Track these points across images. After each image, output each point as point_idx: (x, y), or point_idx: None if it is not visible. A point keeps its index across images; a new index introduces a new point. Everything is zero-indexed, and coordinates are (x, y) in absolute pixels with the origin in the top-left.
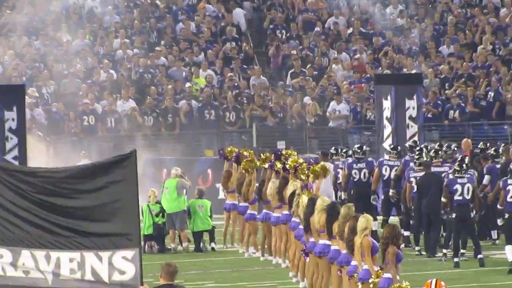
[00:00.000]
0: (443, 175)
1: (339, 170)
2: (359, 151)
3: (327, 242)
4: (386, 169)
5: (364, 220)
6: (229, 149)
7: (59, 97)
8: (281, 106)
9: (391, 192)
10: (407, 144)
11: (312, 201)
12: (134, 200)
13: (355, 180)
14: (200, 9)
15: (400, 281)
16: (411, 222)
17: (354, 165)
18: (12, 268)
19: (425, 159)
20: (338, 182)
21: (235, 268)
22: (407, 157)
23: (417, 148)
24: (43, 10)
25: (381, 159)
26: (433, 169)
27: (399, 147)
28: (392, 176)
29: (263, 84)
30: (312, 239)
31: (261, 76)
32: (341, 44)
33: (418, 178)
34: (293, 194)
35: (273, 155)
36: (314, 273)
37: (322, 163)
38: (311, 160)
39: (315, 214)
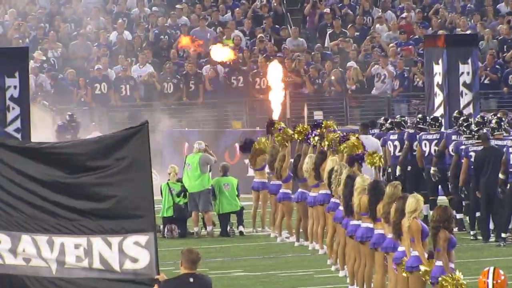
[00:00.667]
0: (504, 149)
1: (389, 142)
2: (434, 122)
3: (370, 225)
4: (425, 144)
5: (414, 201)
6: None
7: (67, 62)
8: (319, 71)
9: (432, 170)
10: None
11: (350, 179)
12: (147, 178)
13: (425, 156)
14: None
15: (453, 270)
16: (463, 203)
17: (424, 137)
18: (12, 255)
19: (481, 130)
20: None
21: (266, 255)
22: (449, 130)
23: (462, 118)
24: None
25: (419, 134)
26: (493, 142)
27: (440, 118)
28: (432, 151)
29: (300, 47)
30: (353, 222)
31: (297, 37)
32: (386, 1)
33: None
34: (332, 170)
35: (310, 127)
36: (356, 260)
37: (353, 137)
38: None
39: (354, 195)
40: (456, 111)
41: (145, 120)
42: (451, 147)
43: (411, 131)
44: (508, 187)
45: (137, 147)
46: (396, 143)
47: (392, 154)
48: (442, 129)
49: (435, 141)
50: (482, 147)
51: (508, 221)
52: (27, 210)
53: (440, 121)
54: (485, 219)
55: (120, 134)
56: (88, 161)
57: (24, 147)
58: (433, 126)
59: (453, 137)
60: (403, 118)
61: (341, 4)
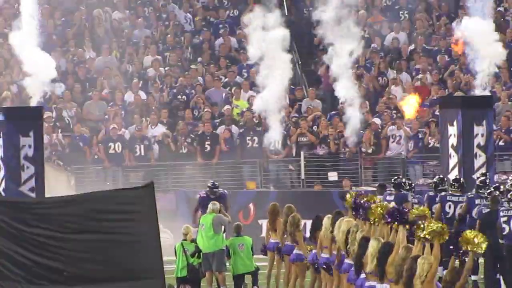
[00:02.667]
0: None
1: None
2: (455, 184)
3: (382, 285)
4: (450, 206)
5: (425, 262)
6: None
7: (82, 121)
8: (334, 132)
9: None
10: (474, 177)
11: (365, 240)
12: (154, 237)
13: (448, 217)
14: (243, 22)
15: None
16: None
17: (449, 198)
18: None
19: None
20: None
21: None
22: (470, 194)
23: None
24: (63, 22)
25: (443, 194)
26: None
27: (462, 180)
28: (457, 214)
29: (315, 108)
30: (369, 283)
31: (314, 98)
32: (401, 63)
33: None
34: (348, 232)
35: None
36: None
37: (378, 199)
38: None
39: (368, 257)
40: (479, 172)
41: (151, 181)
42: (474, 211)
43: (431, 193)
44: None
45: (143, 208)
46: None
47: None
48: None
49: (461, 204)
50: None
51: None
52: (22, 274)
53: (462, 182)
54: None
55: (124, 193)
56: (83, 221)
57: (17, 204)
58: (455, 187)
59: (477, 201)
60: (401, 180)
61: (357, 65)
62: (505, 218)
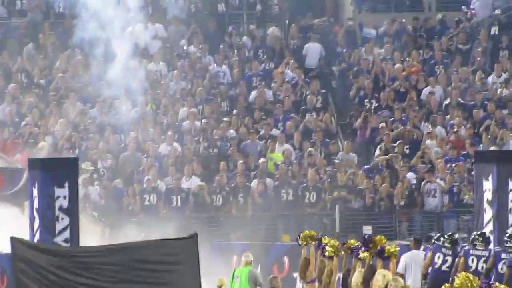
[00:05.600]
0: None
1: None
2: (480, 238)
3: None
4: (473, 260)
5: None
6: (307, 232)
7: (117, 173)
8: (369, 186)
9: None
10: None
11: None
12: None
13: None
14: (277, 75)
15: None
16: None
17: (473, 252)
18: None
19: None
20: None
21: None
22: (497, 248)
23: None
24: (99, 74)
25: (466, 247)
26: None
27: (486, 234)
28: (479, 268)
29: (350, 161)
30: None
31: (350, 151)
32: (436, 117)
33: None
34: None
35: (359, 241)
36: None
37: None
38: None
39: None
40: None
41: (195, 232)
42: (499, 266)
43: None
44: None
45: (186, 259)
46: (448, 258)
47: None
48: (491, 246)
49: (483, 258)
50: None
51: None
52: None
53: (487, 237)
54: None
55: (165, 243)
56: (125, 271)
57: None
58: (479, 241)
59: (503, 255)
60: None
61: (392, 119)
62: None
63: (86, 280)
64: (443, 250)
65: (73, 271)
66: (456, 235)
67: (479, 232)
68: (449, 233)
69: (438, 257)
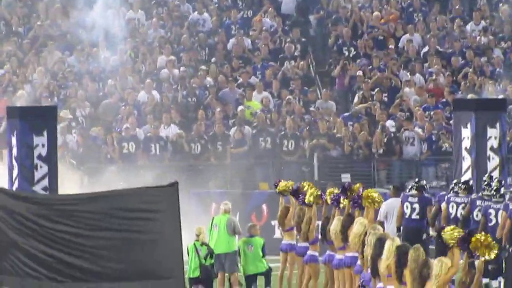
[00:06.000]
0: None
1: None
2: (462, 186)
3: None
4: (452, 206)
5: (439, 265)
6: (283, 184)
7: (95, 121)
8: (347, 134)
9: None
10: (484, 178)
11: (380, 242)
12: (176, 237)
13: (451, 218)
14: (256, 23)
15: None
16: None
17: (453, 199)
18: None
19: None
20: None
21: None
22: (474, 195)
23: (486, 183)
24: (78, 22)
25: (446, 194)
26: None
27: (470, 181)
28: (459, 214)
29: (328, 109)
30: (379, 285)
31: (328, 100)
32: (415, 65)
33: None
34: (365, 234)
35: (338, 189)
36: None
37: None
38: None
39: (383, 258)
40: (486, 175)
41: (175, 180)
42: (475, 213)
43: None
44: None
45: (166, 207)
46: (416, 205)
47: (408, 216)
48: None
49: (462, 204)
50: None
51: None
52: (43, 271)
53: (471, 185)
54: None
55: (146, 191)
56: (105, 219)
57: (35, 200)
58: (462, 189)
59: (478, 202)
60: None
61: (370, 67)
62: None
63: (66, 228)
64: (410, 199)
65: (53, 219)
66: (422, 182)
67: (463, 180)
68: (415, 180)
69: (407, 207)
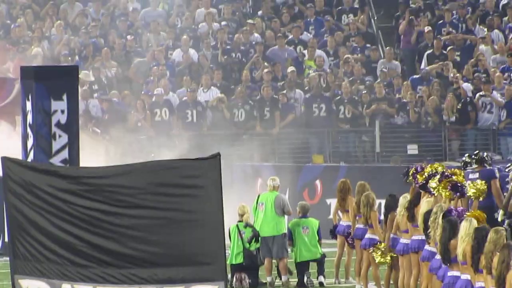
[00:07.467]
0: None
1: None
2: None
3: (469, 277)
4: None
5: None
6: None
7: (123, 84)
8: (414, 99)
9: None
10: None
11: (450, 224)
12: (218, 219)
13: None
14: None
15: None
16: None
17: None
18: None
19: None
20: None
21: None
22: None
23: None
24: None
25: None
26: None
27: None
28: None
29: (393, 71)
30: (451, 273)
31: (391, 59)
32: (493, 19)
33: None
34: (429, 213)
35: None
36: None
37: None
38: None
39: (459, 241)
40: None
41: (217, 152)
42: None
43: None
44: None
45: (207, 182)
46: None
47: None
48: None
49: None
50: None
51: None
52: (66, 255)
53: None
54: None
55: (185, 164)
56: (139, 195)
57: (59, 173)
58: None
59: None
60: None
61: (441, 21)
62: None
63: (94, 204)
64: (471, 175)
65: (79, 194)
66: (482, 153)
67: None
68: (475, 152)
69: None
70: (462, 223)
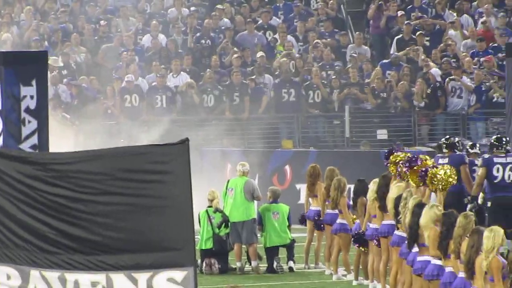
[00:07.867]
0: None
1: (474, 168)
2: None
3: (439, 262)
4: (498, 169)
5: (491, 236)
6: None
7: (92, 69)
8: (384, 84)
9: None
10: None
11: (420, 208)
12: (187, 204)
13: (496, 182)
14: None
15: None
16: None
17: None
18: None
19: None
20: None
21: None
22: None
23: None
24: None
25: (488, 156)
26: None
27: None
28: (506, 177)
29: (363, 56)
30: (421, 258)
31: (361, 44)
32: (462, 4)
33: None
34: (399, 198)
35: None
36: None
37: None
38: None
39: (423, 225)
40: None
41: (186, 137)
42: None
43: (486, 156)
44: None
45: (176, 168)
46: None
47: None
48: None
49: (510, 165)
50: None
51: None
52: (33, 241)
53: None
54: None
55: (153, 150)
56: (107, 181)
57: (28, 159)
58: (501, 148)
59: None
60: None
61: (411, 6)
62: None
63: (62, 191)
64: (440, 160)
65: (46, 180)
66: (455, 139)
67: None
68: (445, 137)
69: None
70: (428, 208)
